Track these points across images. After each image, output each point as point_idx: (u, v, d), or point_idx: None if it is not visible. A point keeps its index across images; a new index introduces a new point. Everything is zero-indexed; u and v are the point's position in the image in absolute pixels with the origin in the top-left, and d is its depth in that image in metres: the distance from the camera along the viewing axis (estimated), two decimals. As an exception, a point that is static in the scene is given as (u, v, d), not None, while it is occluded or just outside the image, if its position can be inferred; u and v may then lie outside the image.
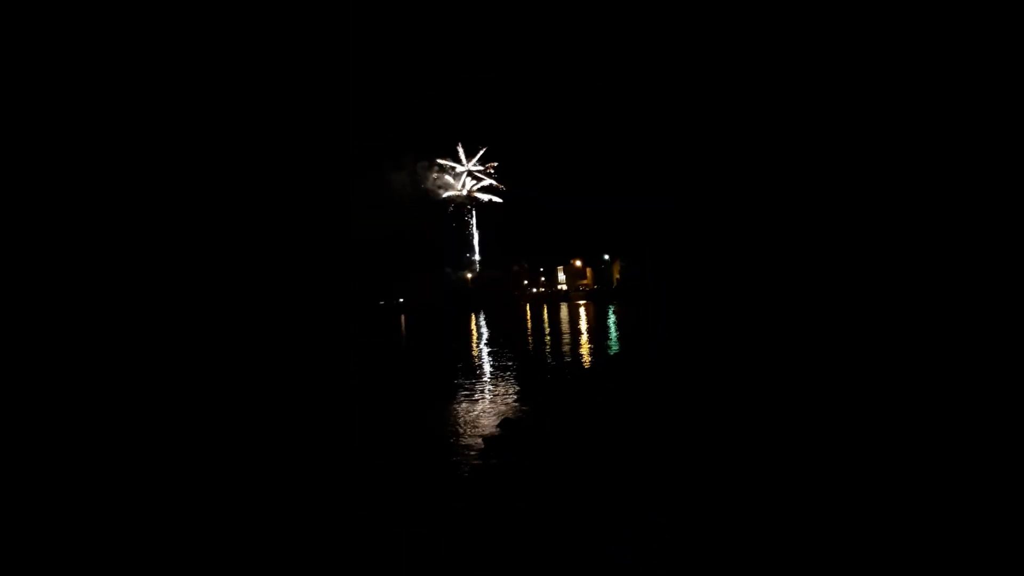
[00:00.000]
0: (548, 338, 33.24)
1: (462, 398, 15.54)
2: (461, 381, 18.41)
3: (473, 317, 64.81)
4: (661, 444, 6.53)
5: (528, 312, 68.01)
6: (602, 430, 8.82)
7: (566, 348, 27.30)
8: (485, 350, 29.01)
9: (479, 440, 10.68)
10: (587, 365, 20.66)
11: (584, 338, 31.82)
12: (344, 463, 4.31)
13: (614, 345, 26.76)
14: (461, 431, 11.91)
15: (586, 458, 7.52)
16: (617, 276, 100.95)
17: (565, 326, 41.80)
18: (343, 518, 4.20)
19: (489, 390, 16.62)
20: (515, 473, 7.77)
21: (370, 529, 6.13)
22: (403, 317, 78.94)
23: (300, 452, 4.20)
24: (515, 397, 15.17)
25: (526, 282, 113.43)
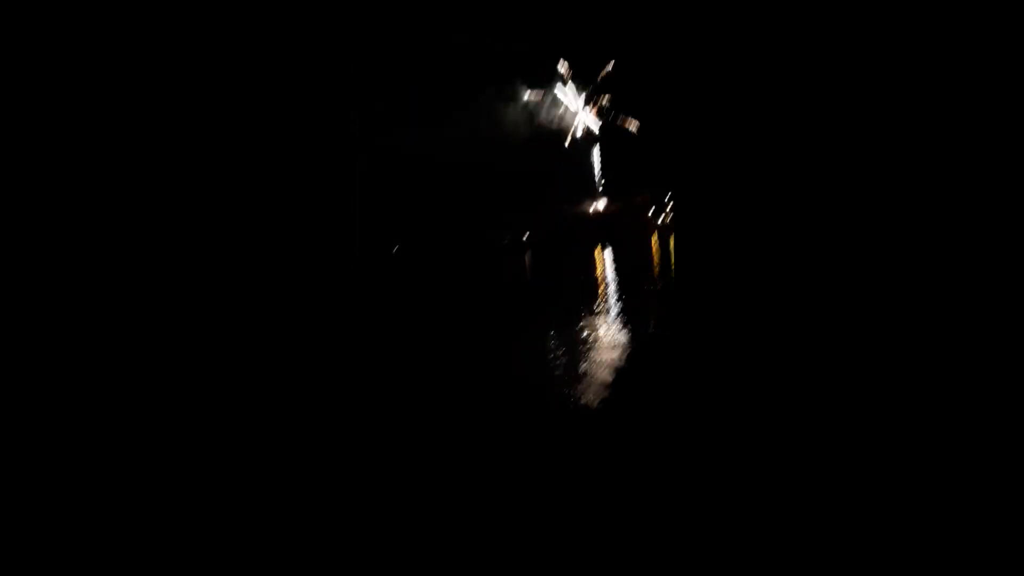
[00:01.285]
0: (674, 270, 32.88)
1: (592, 340, 16.19)
2: (592, 321, 19.04)
3: (599, 249, 64.68)
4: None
5: (655, 242, 66.74)
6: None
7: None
8: (612, 286, 29.33)
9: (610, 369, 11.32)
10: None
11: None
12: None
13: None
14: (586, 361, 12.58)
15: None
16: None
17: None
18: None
19: (618, 329, 17.14)
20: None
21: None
22: (528, 254, 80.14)
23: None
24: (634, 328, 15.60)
25: (652, 211, 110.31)
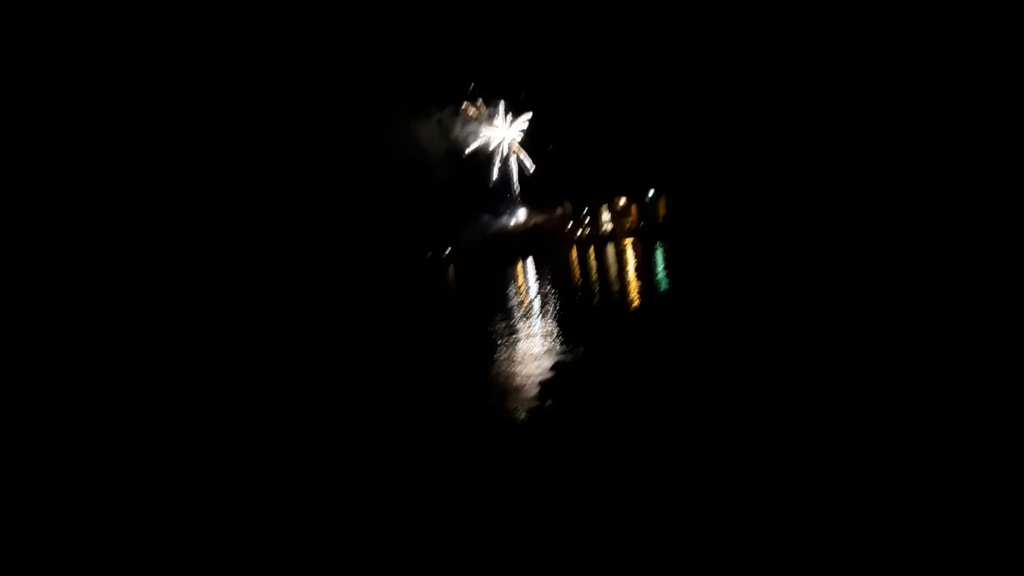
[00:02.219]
0: (596, 280, 33.66)
1: (516, 343, 16.32)
2: (514, 325, 19.18)
3: (520, 263, 65.30)
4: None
5: (574, 255, 68.04)
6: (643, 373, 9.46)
7: (615, 289, 27.74)
8: (535, 295, 29.68)
9: (536, 384, 11.47)
10: (635, 304, 21.13)
11: (631, 277, 32.12)
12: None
13: (663, 283, 27.06)
14: (518, 376, 12.69)
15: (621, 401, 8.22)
16: (663, 212, 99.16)
17: (612, 267, 42.00)
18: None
19: (540, 334, 17.36)
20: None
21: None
22: (450, 268, 79.93)
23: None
24: (564, 341, 15.86)
25: (571, 224, 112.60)
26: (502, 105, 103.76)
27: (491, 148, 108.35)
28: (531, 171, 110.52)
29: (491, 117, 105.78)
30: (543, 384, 11.31)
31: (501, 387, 11.95)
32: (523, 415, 9.87)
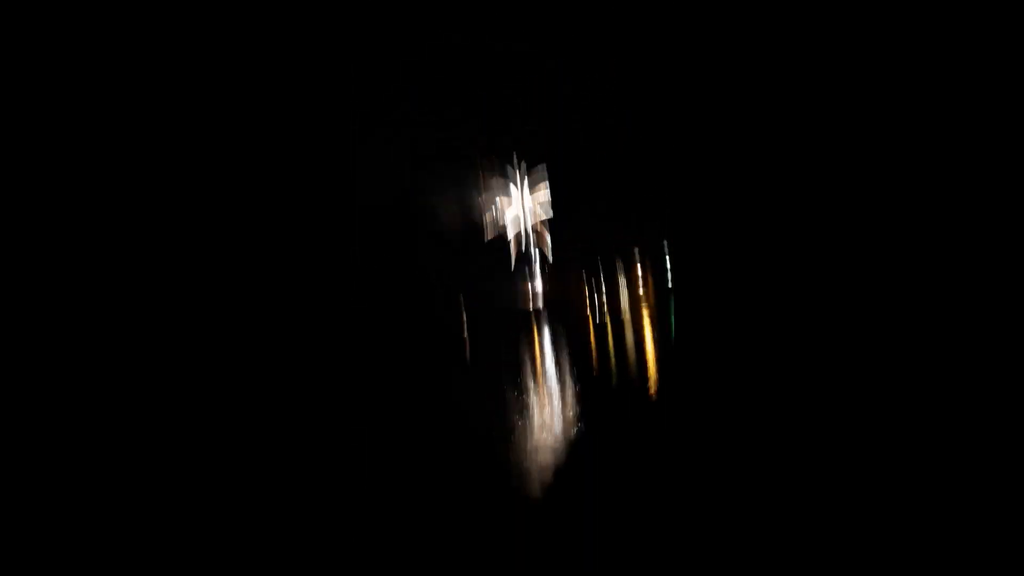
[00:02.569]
0: (611, 339, 33.01)
1: (525, 406, 16.08)
2: (524, 396, 18.88)
3: (534, 323, 64.21)
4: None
5: (588, 313, 66.75)
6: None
7: (631, 350, 27.22)
8: (548, 356, 29.12)
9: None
10: (649, 369, 20.76)
11: (647, 338, 31.52)
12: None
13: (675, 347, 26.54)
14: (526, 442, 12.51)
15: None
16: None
17: (628, 325, 41.17)
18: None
19: (550, 399, 17.11)
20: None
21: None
22: (464, 334, 78.56)
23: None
24: (574, 406, 15.59)
25: (586, 287, 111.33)
26: (527, 175, 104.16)
27: (509, 212, 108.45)
28: (551, 262, 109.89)
29: (512, 181, 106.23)
30: (552, 452, 11.17)
31: (505, 450, 11.78)
32: (527, 489, 9.73)
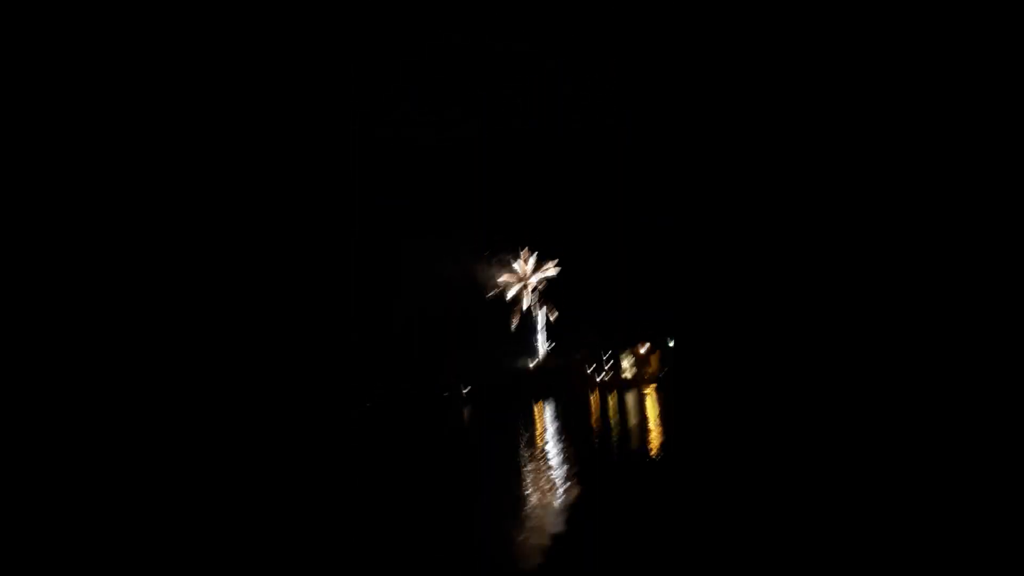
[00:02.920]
0: (615, 428, 32.87)
1: (529, 488, 15.70)
2: (532, 472, 18.55)
3: (539, 405, 64.37)
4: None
5: (595, 400, 67.08)
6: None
7: (634, 438, 27.00)
8: (553, 439, 28.93)
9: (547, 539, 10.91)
10: (652, 456, 20.47)
11: (651, 426, 31.33)
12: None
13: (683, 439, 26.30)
14: (528, 525, 12.11)
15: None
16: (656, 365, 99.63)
17: (632, 415, 41.18)
18: None
19: (556, 481, 16.72)
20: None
21: None
22: (465, 410, 79.03)
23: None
24: (578, 490, 15.25)
25: (592, 369, 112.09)
26: (534, 256, 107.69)
27: (514, 292, 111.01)
28: (555, 319, 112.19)
29: (516, 263, 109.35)
30: (553, 537, 10.75)
31: (509, 534, 11.37)
32: (530, 569, 9.31)
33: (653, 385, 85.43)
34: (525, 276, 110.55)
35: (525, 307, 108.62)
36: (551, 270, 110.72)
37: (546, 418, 46.88)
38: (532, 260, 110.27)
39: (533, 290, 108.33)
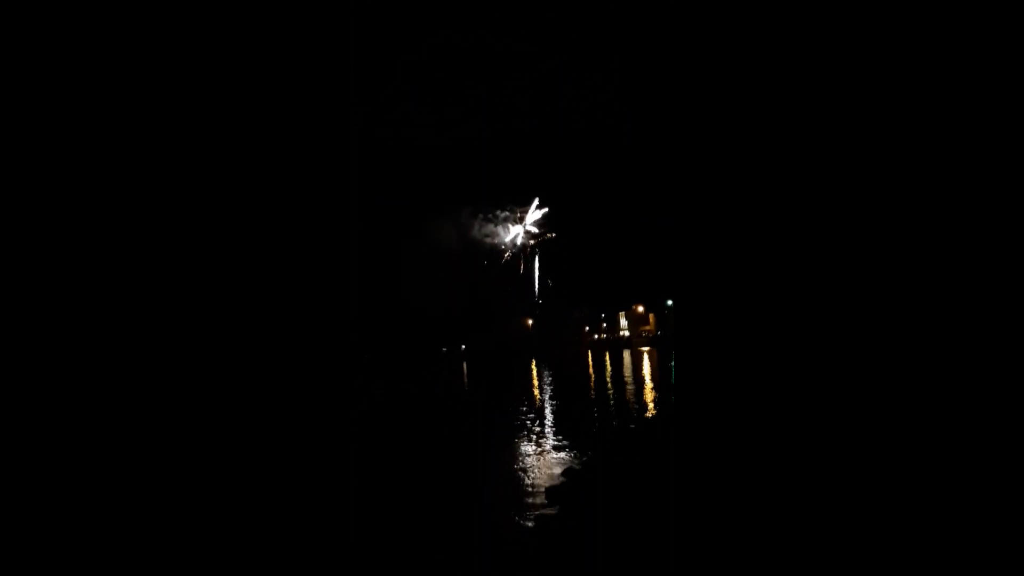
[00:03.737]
0: (610, 388, 33.22)
1: (525, 450, 15.93)
2: (524, 433, 18.79)
3: (534, 365, 64.94)
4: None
5: (590, 359, 67.65)
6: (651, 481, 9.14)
7: (630, 398, 27.30)
8: (548, 399, 29.26)
9: (542, 491, 11.09)
10: (648, 415, 20.71)
11: (646, 387, 31.67)
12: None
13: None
14: (526, 481, 12.31)
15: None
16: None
17: (628, 375, 41.57)
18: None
19: (550, 438, 16.95)
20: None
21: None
22: (465, 364, 79.68)
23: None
24: (574, 447, 15.46)
25: (587, 328, 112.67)
26: (535, 203, 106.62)
27: (513, 246, 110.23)
28: (552, 282, 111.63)
29: (521, 217, 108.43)
30: (550, 490, 10.92)
31: (508, 490, 11.56)
32: (530, 523, 9.47)
33: (647, 347, 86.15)
34: (526, 224, 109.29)
35: (523, 252, 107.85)
36: (550, 234, 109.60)
37: (543, 376, 47.37)
38: (535, 210, 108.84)
39: (533, 242, 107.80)
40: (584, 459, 13.74)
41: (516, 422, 20.96)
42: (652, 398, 26.29)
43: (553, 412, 23.86)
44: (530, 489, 11.54)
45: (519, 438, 17.61)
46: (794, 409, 4.22)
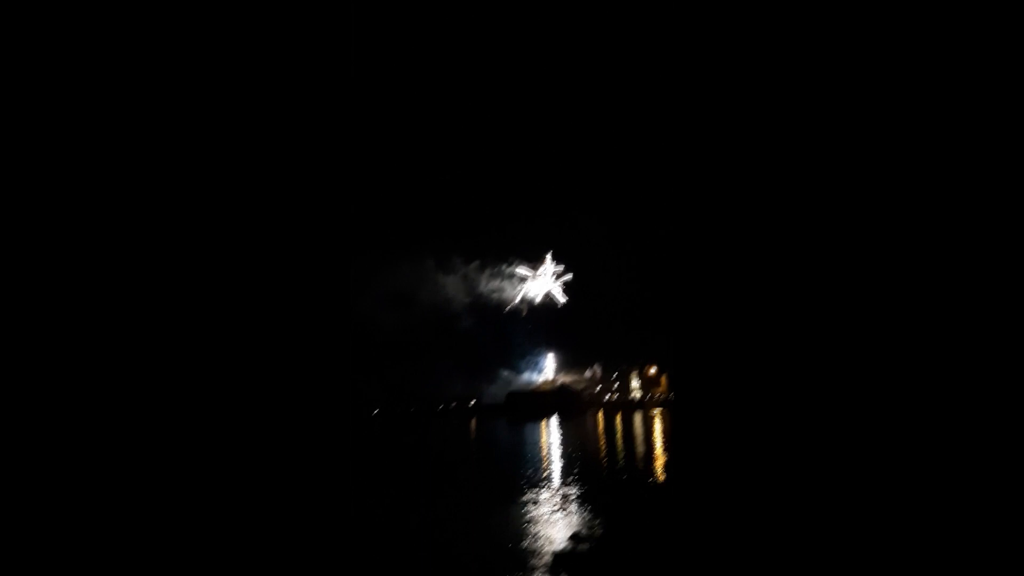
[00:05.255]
0: (620, 451, 32.58)
1: (531, 511, 15.54)
2: (531, 494, 18.38)
3: (544, 422, 63.99)
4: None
5: (601, 419, 66.63)
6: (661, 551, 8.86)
7: (639, 463, 26.73)
8: (558, 457, 28.70)
9: (549, 556, 10.76)
10: (659, 480, 20.22)
11: (657, 450, 31.02)
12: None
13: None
14: (531, 544, 11.96)
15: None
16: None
17: (639, 437, 40.82)
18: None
19: (558, 504, 16.54)
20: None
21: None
22: (474, 421, 78.73)
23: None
24: (582, 510, 15.07)
25: (599, 388, 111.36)
26: (549, 256, 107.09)
27: (524, 299, 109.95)
28: (561, 304, 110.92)
29: (534, 271, 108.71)
30: (557, 556, 10.59)
31: (514, 551, 11.22)
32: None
33: (660, 409, 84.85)
34: (539, 278, 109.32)
35: (535, 301, 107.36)
36: (565, 276, 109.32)
37: (552, 434, 46.60)
38: (550, 265, 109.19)
39: (546, 298, 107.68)
40: (591, 524, 13.37)
41: (523, 481, 20.53)
42: (662, 463, 25.71)
43: (560, 473, 23.36)
44: (535, 552, 11.20)
45: (526, 498, 17.21)
46: (791, 481, 4.14)
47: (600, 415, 79.39)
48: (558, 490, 18.80)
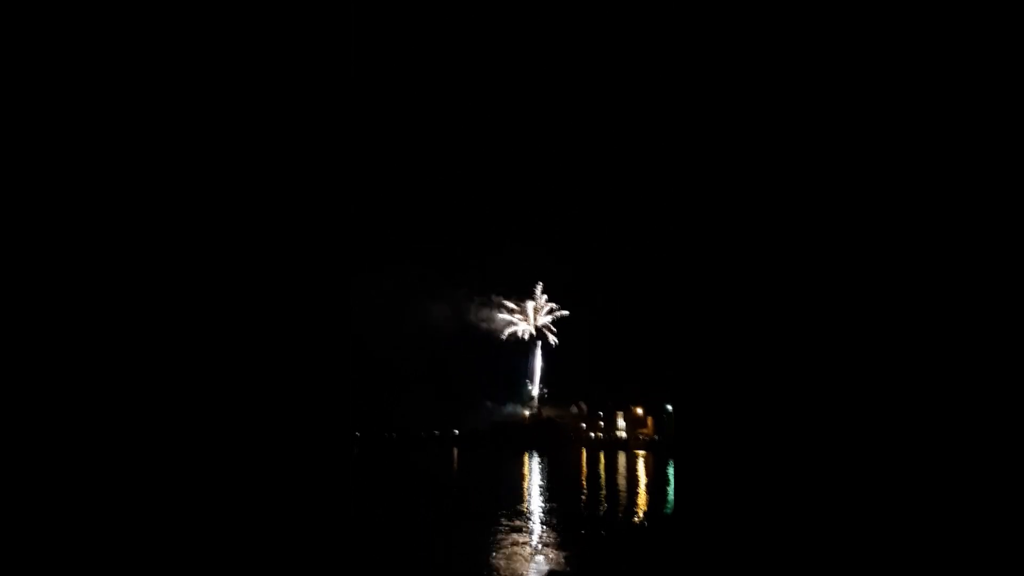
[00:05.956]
0: (603, 489, 32.29)
1: (510, 546, 15.34)
2: (511, 528, 18.16)
3: (527, 456, 63.40)
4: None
5: (584, 457, 66.09)
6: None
7: (621, 502, 26.49)
8: (538, 492, 28.40)
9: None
10: (638, 522, 20.03)
11: (640, 492, 30.76)
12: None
13: (670, 504, 25.79)
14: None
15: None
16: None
17: (622, 477, 40.51)
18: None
19: (538, 540, 16.34)
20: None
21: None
22: (456, 450, 77.93)
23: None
24: (560, 548, 14.89)
25: (584, 425, 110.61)
26: (539, 289, 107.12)
27: (516, 332, 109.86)
28: (555, 345, 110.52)
29: (522, 306, 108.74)
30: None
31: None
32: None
33: (644, 451, 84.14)
34: (534, 310, 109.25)
35: (525, 337, 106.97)
36: (559, 312, 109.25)
37: (534, 469, 46.12)
38: (542, 300, 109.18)
39: (537, 334, 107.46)
40: (569, 561, 13.20)
41: (502, 515, 20.30)
42: (643, 503, 25.47)
43: (541, 509, 23.11)
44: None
45: (504, 532, 17.00)
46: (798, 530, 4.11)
47: (584, 452, 78.72)
48: (538, 528, 18.59)
